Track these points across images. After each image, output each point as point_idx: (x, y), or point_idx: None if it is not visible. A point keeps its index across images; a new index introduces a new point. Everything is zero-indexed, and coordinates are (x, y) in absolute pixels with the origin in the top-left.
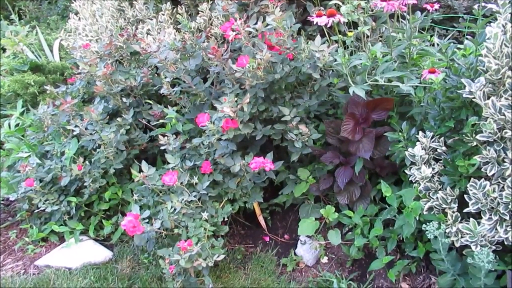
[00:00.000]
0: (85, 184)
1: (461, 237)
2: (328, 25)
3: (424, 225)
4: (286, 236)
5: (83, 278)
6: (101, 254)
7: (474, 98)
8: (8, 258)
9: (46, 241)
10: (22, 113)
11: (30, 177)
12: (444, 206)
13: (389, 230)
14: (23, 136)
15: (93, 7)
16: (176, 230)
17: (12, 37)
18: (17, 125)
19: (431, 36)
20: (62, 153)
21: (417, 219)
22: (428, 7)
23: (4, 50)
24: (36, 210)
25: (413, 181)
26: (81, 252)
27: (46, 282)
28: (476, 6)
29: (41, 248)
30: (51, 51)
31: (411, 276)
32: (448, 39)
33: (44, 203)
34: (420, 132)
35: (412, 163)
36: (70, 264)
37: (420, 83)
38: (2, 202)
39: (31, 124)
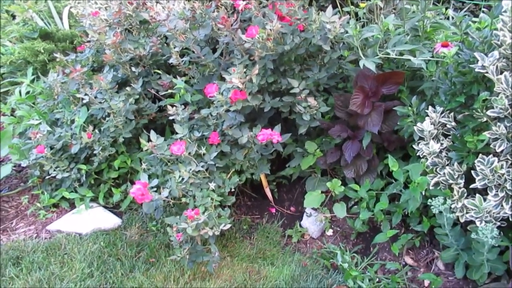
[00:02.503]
0: (94, 152)
1: (466, 212)
2: None
3: (429, 200)
4: (292, 208)
5: (93, 243)
6: (110, 220)
7: (486, 72)
8: (20, 223)
9: (57, 207)
10: (32, 81)
11: (41, 144)
12: (450, 181)
13: (395, 205)
14: (33, 103)
15: None
16: (183, 199)
17: (21, 4)
18: (27, 92)
19: (446, 9)
20: (72, 121)
21: (423, 194)
22: None
23: (14, 17)
24: (47, 177)
25: (421, 156)
26: (91, 219)
27: (58, 246)
28: None
29: (52, 213)
30: (61, 18)
31: (415, 250)
32: (464, 12)
33: (55, 170)
34: (430, 107)
35: (421, 138)
36: (81, 229)
37: (433, 57)
38: (14, 168)
39: (41, 92)
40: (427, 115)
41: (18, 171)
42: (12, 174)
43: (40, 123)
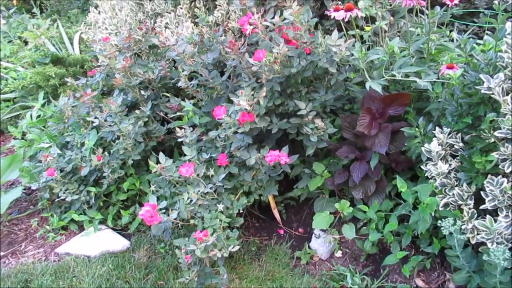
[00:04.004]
0: (104, 174)
1: (477, 234)
2: (346, 20)
3: (439, 221)
4: (300, 230)
5: (101, 266)
6: (119, 243)
7: (492, 94)
8: (29, 245)
9: (66, 229)
10: (43, 105)
11: (51, 167)
12: (460, 202)
13: (404, 226)
14: (44, 127)
15: (113, 1)
16: (192, 221)
17: (34, 30)
18: (38, 116)
19: (451, 31)
20: (82, 144)
21: (433, 215)
22: (448, 1)
23: (26, 43)
24: (57, 199)
25: (429, 177)
26: (99, 241)
27: (66, 269)
28: (496, 1)
29: (61, 236)
30: (72, 44)
31: (426, 272)
32: (468, 34)
33: (64, 193)
34: (437, 128)
35: (429, 159)
36: (89, 252)
37: (438, 78)
38: (24, 191)
39: (52, 115)
40: (435, 136)
41: (28, 194)
42: (22, 197)
43: (50, 146)
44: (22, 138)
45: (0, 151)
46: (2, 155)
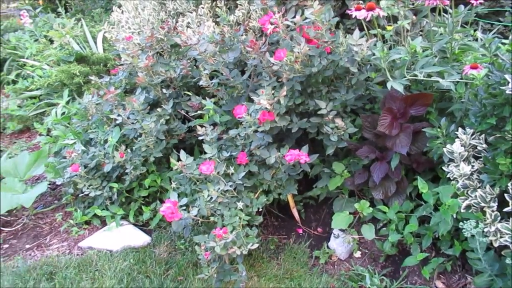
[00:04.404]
0: (126, 171)
1: (500, 237)
2: (367, 19)
3: (461, 223)
4: (319, 229)
5: (123, 261)
6: (140, 238)
7: None
8: (54, 239)
9: (89, 224)
10: (68, 102)
11: (76, 163)
12: (483, 204)
13: (425, 227)
14: (69, 123)
15: (136, 0)
16: (212, 218)
17: (59, 29)
18: (63, 113)
19: (475, 30)
20: (105, 141)
21: (454, 216)
22: (472, 0)
23: (52, 41)
24: (80, 194)
25: (451, 178)
26: (121, 236)
27: (89, 263)
28: None
29: (85, 230)
30: (95, 43)
31: (446, 274)
32: (493, 33)
33: (88, 188)
34: (460, 129)
35: (451, 160)
36: (111, 246)
37: (461, 78)
38: (49, 186)
39: (76, 113)
40: (457, 137)
41: (53, 188)
42: (47, 192)
43: (75, 143)
44: (48, 135)
45: (27, 147)
46: (28, 150)
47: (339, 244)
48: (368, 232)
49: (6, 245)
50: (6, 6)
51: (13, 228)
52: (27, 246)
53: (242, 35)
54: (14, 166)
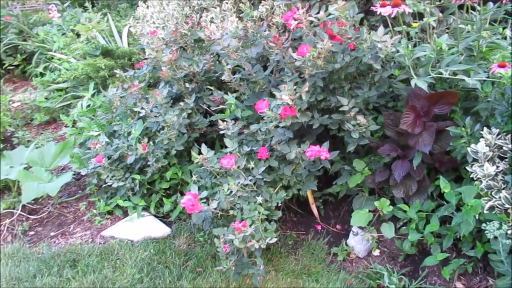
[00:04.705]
0: (148, 163)
1: None
2: (392, 16)
3: (483, 224)
4: (338, 226)
5: (143, 250)
6: (160, 229)
7: None
8: (78, 227)
9: (111, 214)
10: (93, 95)
11: (100, 154)
12: (507, 206)
13: (446, 227)
14: (94, 116)
15: None
16: (231, 212)
17: (86, 24)
18: (88, 105)
19: (504, 28)
20: (129, 133)
21: (477, 217)
22: None
23: (78, 35)
24: (104, 185)
25: (475, 179)
26: (142, 227)
27: (111, 251)
28: None
29: (107, 220)
30: (120, 37)
31: (467, 276)
32: None
33: (111, 179)
34: (485, 128)
35: (474, 160)
36: (132, 236)
37: (488, 77)
38: (73, 176)
39: (101, 105)
40: (482, 137)
41: (77, 179)
42: (72, 182)
43: (99, 135)
44: (73, 126)
45: (53, 137)
46: (54, 141)
47: (357, 242)
48: (388, 230)
49: (32, 232)
50: (35, 1)
51: (39, 216)
52: (52, 233)
53: (265, 31)
54: (41, 156)
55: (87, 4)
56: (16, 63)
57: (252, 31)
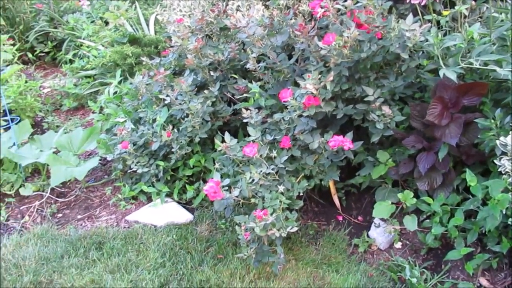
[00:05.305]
0: (172, 150)
1: None
2: (422, 3)
3: (510, 219)
4: (359, 218)
5: (166, 236)
6: (183, 216)
7: None
8: (103, 211)
9: (136, 199)
10: (120, 82)
11: (125, 140)
12: None
13: (471, 222)
14: (120, 102)
15: None
16: (253, 200)
17: (114, 11)
18: (115, 92)
19: None
20: (154, 120)
21: (503, 212)
22: None
23: (107, 23)
24: (129, 171)
25: (503, 172)
26: (165, 212)
27: (135, 236)
28: None
29: (132, 205)
30: (148, 25)
31: (491, 271)
32: None
33: (136, 165)
34: None
35: (503, 153)
36: (156, 222)
37: None
38: (100, 161)
39: (127, 92)
40: None
41: (104, 164)
42: (98, 167)
43: (125, 121)
44: (100, 112)
45: (81, 123)
46: (82, 127)
47: (379, 234)
48: (411, 223)
49: (60, 214)
50: None
51: (67, 199)
52: (79, 216)
53: (291, 19)
54: (69, 141)
55: None
56: (47, 50)
57: (278, 19)
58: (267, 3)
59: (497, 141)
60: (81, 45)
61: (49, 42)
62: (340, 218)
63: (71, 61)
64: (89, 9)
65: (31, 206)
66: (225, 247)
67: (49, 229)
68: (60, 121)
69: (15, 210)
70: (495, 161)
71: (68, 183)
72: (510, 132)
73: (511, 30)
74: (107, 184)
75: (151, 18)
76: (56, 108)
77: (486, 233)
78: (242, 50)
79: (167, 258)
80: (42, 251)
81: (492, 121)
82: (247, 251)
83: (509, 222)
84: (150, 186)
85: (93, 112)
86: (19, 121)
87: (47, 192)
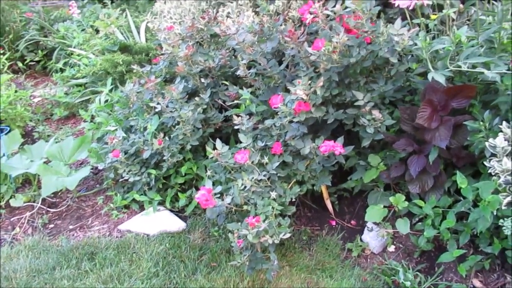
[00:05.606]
0: (164, 158)
1: None
2: (411, 8)
3: (501, 221)
4: (352, 222)
5: (159, 244)
6: (175, 224)
7: None
8: (95, 221)
9: (128, 208)
10: (111, 90)
11: (117, 149)
12: None
13: (462, 224)
14: (111, 111)
15: None
16: (245, 207)
17: (105, 20)
18: (106, 101)
19: None
20: (145, 128)
21: (494, 213)
22: None
23: (97, 31)
24: (120, 180)
25: (492, 174)
26: (158, 221)
27: (127, 245)
28: None
29: (124, 214)
30: (138, 32)
31: (484, 273)
32: None
33: (127, 174)
34: (504, 122)
35: (493, 155)
36: (148, 231)
37: (509, 70)
38: (91, 170)
39: (118, 100)
40: (501, 131)
41: (95, 173)
42: (90, 176)
43: (116, 130)
44: (91, 121)
45: (72, 132)
46: (73, 136)
47: (372, 238)
48: (403, 226)
49: (52, 225)
50: None
51: (58, 209)
52: (71, 226)
53: (281, 25)
54: (60, 150)
55: (106, 0)
56: (37, 58)
57: (268, 26)
58: (258, 9)
59: (487, 143)
60: (72, 54)
61: (39, 51)
62: (333, 223)
63: (61, 70)
64: (80, 18)
65: (22, 217)
66: (218, 255)
67: (40, 241)
68: (51, 130)
69: (6, 222)
70: (485, 162)
71: (59, 193)
72: (499, 134)
73: (498, 33)
74: (99, 193)
75: (142, 25)
76: (47, 118)
77: (478, 234)
78: (233, 57)
79: (160, 267)
80: (34, 263)
81: (481, 123)
82: (241, 259)
83: (500, 223)
84: (142, 194)
85: (84, 121)
86: (9, 131)
87: (38, 203)
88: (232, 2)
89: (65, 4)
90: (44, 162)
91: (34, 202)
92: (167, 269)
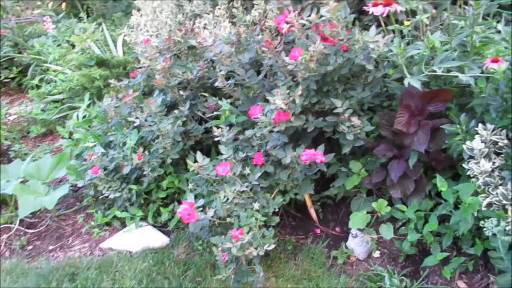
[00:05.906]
0: (144, 173)
1: None
2: (384, 15)
3: (482, 222)
4: (337, 229)
5: (142, 262)
6: (159, 239)
7: None
8: (76, 240)
9: (109, 225)
10: (88, 105)
11: (96, 165)
12: (504, 202)
13: (445, 226)
14: (89, 126)
15: (154, 3)
16: (228, 219)
17: (80, 34)
18: (84, 116)
19: (498, 22)
20: (124, 143)
21: (475, 215)
22: None
23: (73, 46)
24: (101, 196)
25: (471, 176)
26: (140, 237)
27: (110, 264)
28: None
29: (105, 231)
30: (115, 46)
31: (468, 274)
32: None
33: (107, 190)
34: (480, 125)
35: (471, 157)
36: (131, 247)
37: (482, 73)
38: (71, 188)
39: (96, 116)
40: (477, 133)
41: (75, 191)
42: (69, 194)
43: (95, 146)
44: (69, 138)
45: (50, 150)
46: (51, 153)
47: (357, 244)
48: (387, 231)
49: (30, 246)
50: (30, 13)
51: (37, 230)
52: (50, 247)
53: (258, 35)
54: (37, 169)
55: (82, 14)
56: (12, 75)
57: (245, 36)
58: (234, 20)
59: (464, 146)
60: (48, 70)
61: (14, 68)
62: (318, 231)
63: (37, 86)
64: (55, 33)
65: None
66: (203, 269)
67: (18, 263)
68: (27, 148)
69: None
70: (463, 165)
71: (38, 213)
72: (476, 136)
73: (470, 37)
74: (79, 211)
75: (119, 39)
76: (23, 135)
77: (460, 236)
78: (211, 68)
79: (144, 285)
80: (12, 287)
81: (458, 126)
82: (226, 272)
83: (481, 225)
84: (123, 211)
85: (62, 138)
86: None
87: (15, 224)
88: (208, 14)
89: (40, 19)
90: (21, 182)
91: (11, 223)
92: (151, 286)
